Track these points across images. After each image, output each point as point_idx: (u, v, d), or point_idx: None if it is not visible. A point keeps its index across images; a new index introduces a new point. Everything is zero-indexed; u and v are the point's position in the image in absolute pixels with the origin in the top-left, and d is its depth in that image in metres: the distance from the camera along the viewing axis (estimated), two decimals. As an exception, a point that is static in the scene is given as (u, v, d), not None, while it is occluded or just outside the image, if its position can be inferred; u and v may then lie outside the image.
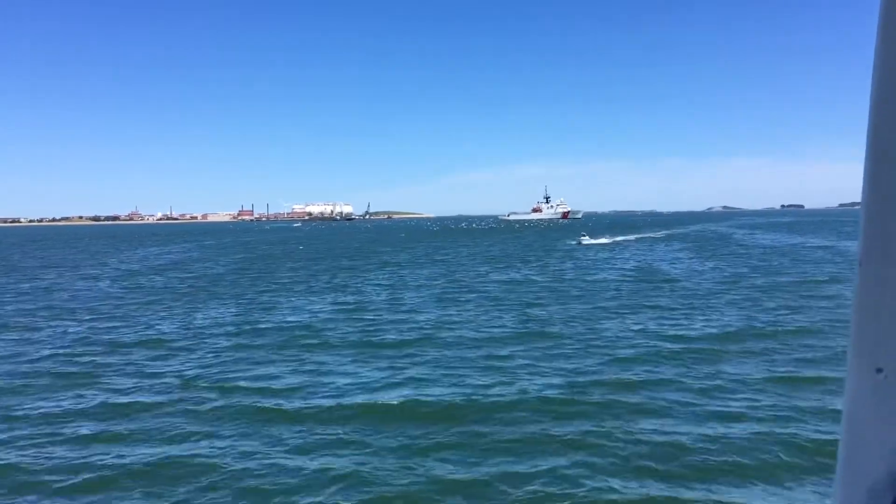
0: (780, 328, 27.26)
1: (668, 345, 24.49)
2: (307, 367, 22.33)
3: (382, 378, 20.59)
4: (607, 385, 19.12)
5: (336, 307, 37.00)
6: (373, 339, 27.13)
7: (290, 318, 32.95)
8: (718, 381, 19.30)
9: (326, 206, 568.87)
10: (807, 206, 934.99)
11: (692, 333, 26.56)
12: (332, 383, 20.11)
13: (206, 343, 26.96)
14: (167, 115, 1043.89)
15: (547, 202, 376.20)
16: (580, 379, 19.88)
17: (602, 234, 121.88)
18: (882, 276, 1.19)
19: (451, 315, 32.94)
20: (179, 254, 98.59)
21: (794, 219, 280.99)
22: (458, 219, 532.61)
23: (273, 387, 19.83)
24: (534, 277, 51.12)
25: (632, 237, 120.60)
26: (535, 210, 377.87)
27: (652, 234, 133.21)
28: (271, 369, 22.18)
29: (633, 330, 27.68)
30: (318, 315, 34.12)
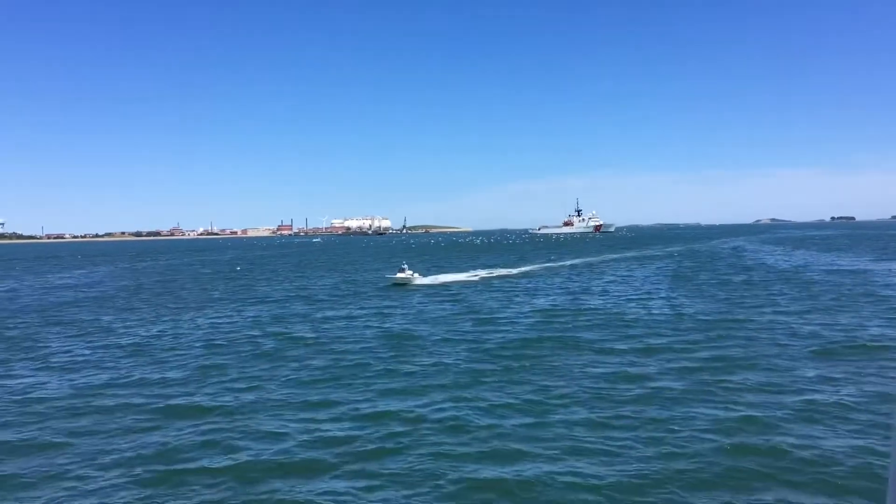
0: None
1: None
2: None
3: None
4: None
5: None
6: None
7: None
8: None
9: (365, 221, 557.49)
10: (858, 218, 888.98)
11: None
12: None
13: None
14: (212, 131, 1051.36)
15: (578, 215, 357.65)
16: None
17: (472, 267, 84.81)
18: None
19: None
20: (78, 280, 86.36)
21: (836, 231, 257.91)
22: (494, 233, 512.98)
23: None
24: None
25: (607, 257, 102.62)
26: (566, 223, 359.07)
27: (653, 252, 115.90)
28: None
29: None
30: None
